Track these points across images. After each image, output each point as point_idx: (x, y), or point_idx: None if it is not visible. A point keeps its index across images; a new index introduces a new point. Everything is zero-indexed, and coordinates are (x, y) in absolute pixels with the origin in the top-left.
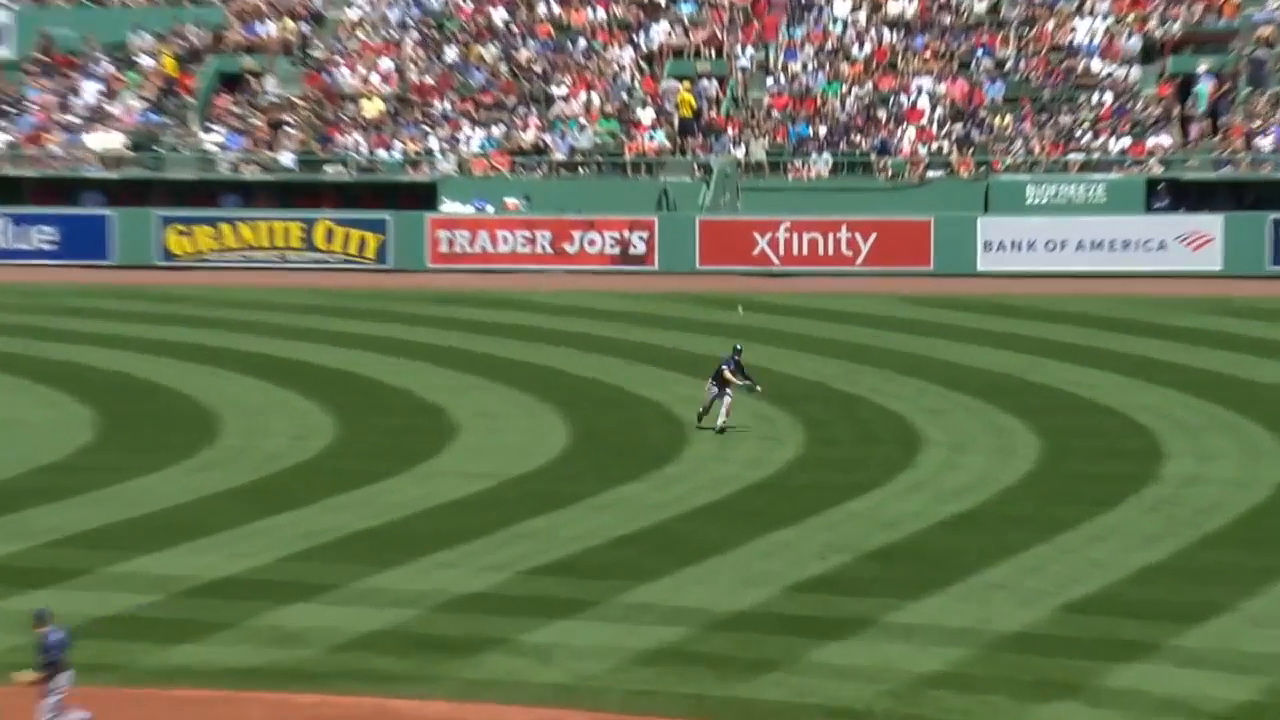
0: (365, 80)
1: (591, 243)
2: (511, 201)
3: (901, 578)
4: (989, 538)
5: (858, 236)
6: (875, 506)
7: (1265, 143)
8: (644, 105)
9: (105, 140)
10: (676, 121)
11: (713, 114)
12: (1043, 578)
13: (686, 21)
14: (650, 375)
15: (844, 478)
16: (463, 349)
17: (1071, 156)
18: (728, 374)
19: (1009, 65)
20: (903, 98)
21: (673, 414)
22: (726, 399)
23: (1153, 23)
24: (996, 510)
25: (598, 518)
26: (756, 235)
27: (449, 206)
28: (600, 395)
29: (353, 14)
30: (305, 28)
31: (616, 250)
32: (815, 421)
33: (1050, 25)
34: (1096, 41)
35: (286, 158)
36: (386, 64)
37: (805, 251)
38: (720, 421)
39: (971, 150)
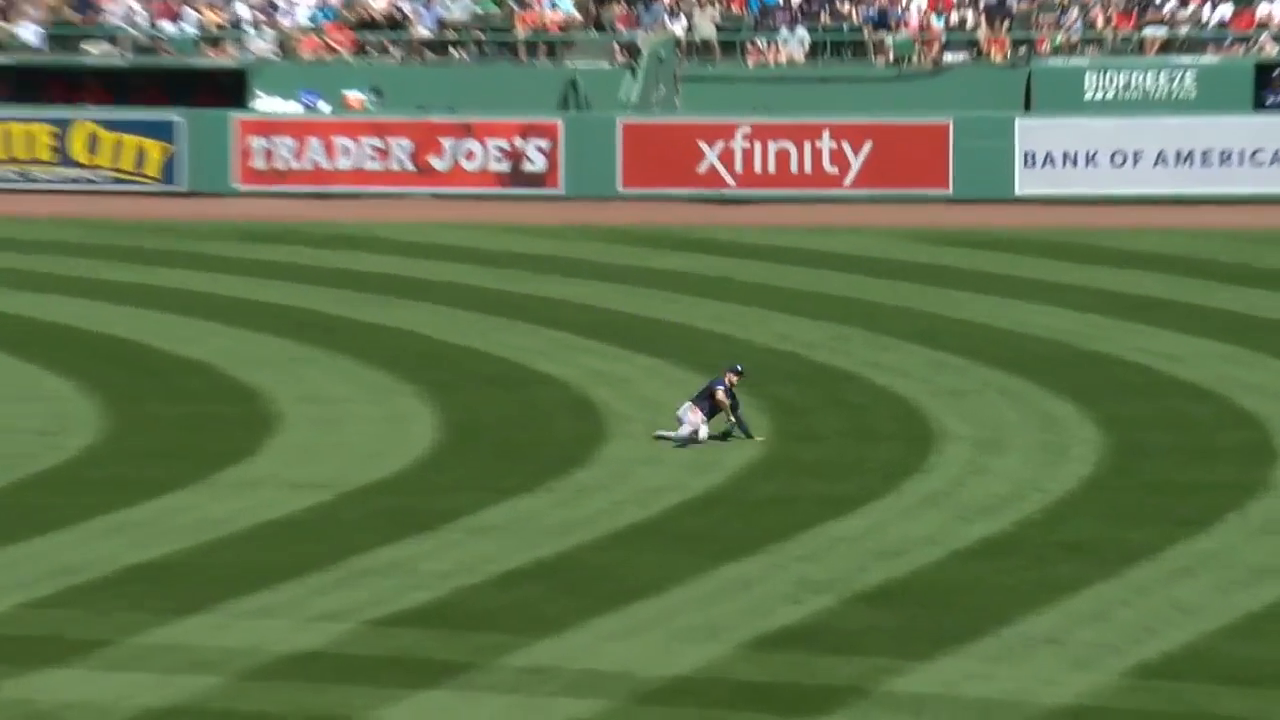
0: None
1: (469, 156)
2: (355, 97)
3: (907, 628)
4: (1031, 572)
5: (846, 147)
6: (871, 528)
7: None
8: None
9: None
10: None
11: None
12: (1107, 628)
13: None
14: (554, 343)
15: (827, 488)
16: (286, 305)
17: (1148, 32)
18: (720, 395)
19: None
20: None
21: (585, 398)
22: (703, 430)
23: None
24: (1041, 534)
25: (478, 545)
26: (703, 145)
27: (266, 103)
28: (482, 371)
29: None
30: None
31: (505, 166)
32: (787, 408)
33: None
34: None
35: (29, 32)
36: None
37: (772, 168)
38: (671, 434)
39: (1007, 24)
